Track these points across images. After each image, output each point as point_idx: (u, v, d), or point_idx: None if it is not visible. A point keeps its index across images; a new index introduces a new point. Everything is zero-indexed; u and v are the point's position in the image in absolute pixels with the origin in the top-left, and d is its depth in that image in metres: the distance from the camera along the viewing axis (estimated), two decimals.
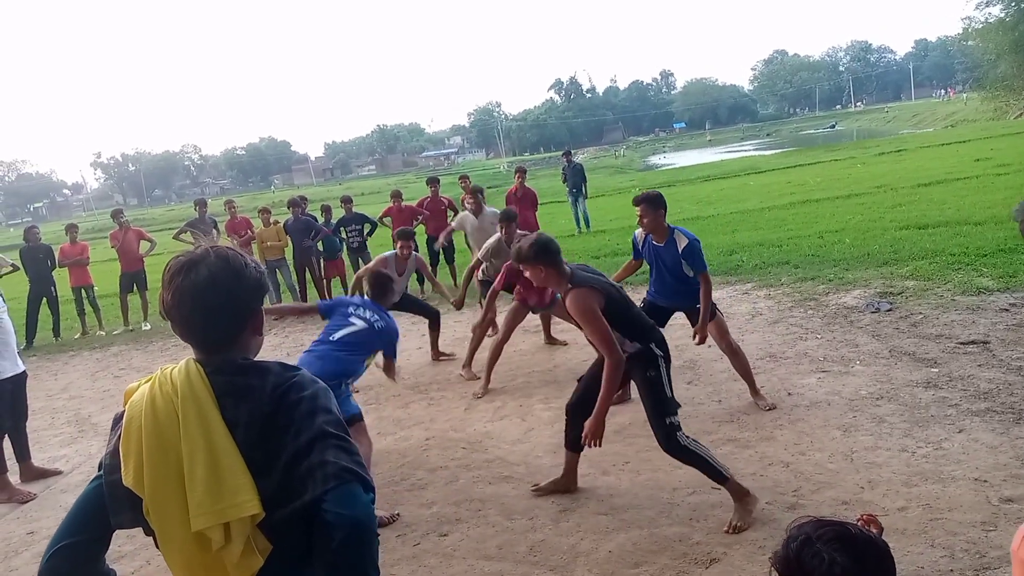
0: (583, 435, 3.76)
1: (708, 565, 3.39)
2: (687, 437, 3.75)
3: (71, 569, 1.52)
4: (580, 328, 3.80)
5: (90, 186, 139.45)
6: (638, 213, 5.06)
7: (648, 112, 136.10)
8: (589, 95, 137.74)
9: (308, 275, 11.43)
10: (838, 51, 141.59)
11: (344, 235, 11.30)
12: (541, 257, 3.73)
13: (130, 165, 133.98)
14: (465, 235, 9.58)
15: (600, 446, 3.81)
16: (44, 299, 11.44)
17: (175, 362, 1.60)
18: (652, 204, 5.00)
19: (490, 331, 7.14)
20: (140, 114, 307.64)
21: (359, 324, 4.94)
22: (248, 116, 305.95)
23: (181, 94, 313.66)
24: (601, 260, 11.24)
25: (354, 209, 11.68)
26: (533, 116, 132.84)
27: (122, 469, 1.50)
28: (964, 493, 3.65)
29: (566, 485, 4.29)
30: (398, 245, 7.31)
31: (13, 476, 5.53)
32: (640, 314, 3.90)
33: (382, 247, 12.31)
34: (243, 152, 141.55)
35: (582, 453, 4.24)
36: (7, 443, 5.55)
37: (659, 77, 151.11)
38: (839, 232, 11.01)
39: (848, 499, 3.74)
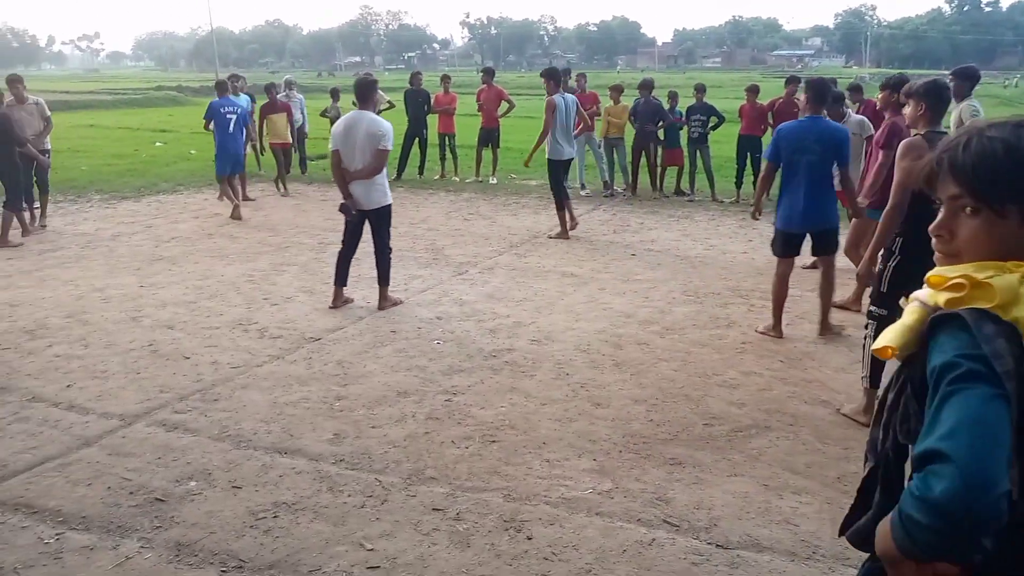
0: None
1: None
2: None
3: None
4: None
5: (455, 44, 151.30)
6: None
7: None
8: (988, 8, 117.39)
9: (644, 160, 11.53)
10: None
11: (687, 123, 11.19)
12: (929, 95, 3.87)
13: (492, 28, 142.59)
14: None
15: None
16: (416, 139, 12.89)
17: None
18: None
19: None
20: None
21: None
22: None
23: None
24: None
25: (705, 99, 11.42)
26: (912, 25, 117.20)
27: None
28: None
29: None
30: None
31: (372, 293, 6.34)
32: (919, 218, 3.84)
33: (718, 143, 11.95)
34: (595, 28, 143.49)
35: None
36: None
37: None
38: None
39: None
